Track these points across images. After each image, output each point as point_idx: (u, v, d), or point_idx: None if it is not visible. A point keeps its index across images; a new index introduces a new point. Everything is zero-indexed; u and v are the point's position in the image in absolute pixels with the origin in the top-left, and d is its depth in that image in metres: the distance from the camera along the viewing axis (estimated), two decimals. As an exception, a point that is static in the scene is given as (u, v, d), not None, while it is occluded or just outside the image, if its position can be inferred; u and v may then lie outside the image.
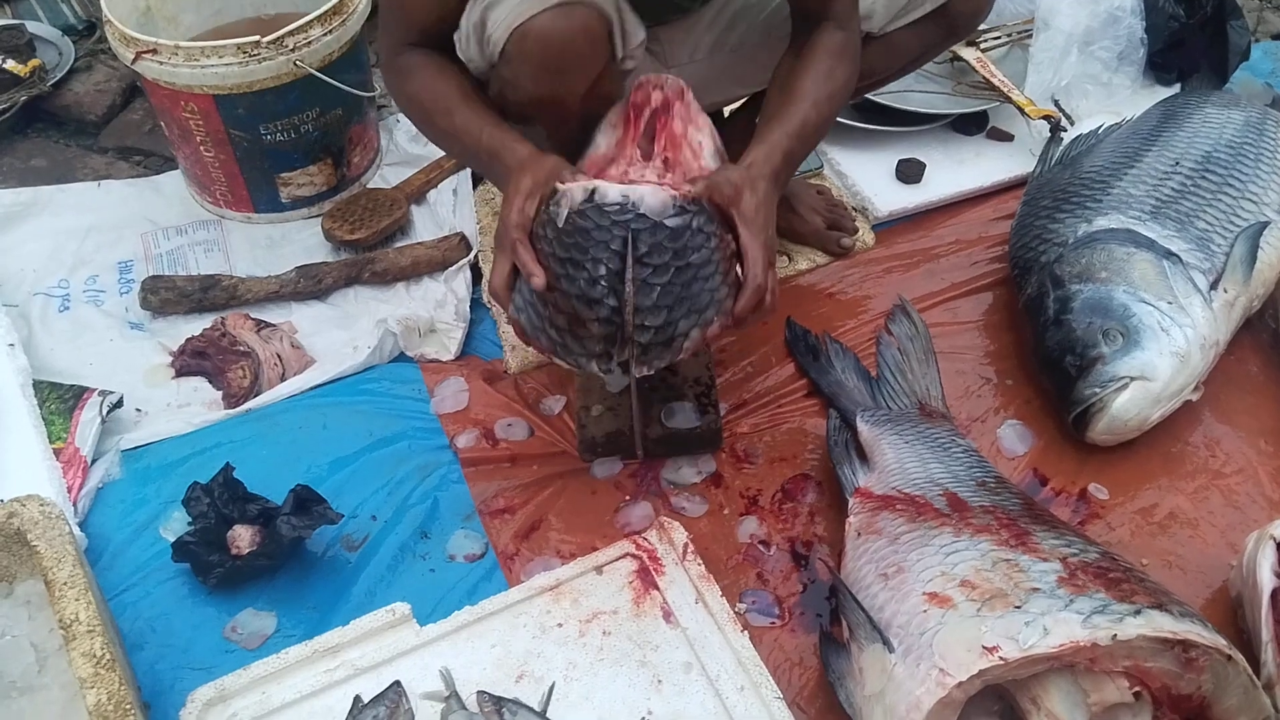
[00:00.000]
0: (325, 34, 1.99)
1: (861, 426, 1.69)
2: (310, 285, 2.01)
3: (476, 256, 2.06)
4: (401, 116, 2.34)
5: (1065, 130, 2.21)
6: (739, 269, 1.42)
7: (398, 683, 1.37)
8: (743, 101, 1.96)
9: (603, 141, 1.48)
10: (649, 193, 1.34)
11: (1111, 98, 2.33)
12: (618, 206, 1.33)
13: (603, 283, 1.35)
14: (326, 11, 2.00)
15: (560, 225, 1.35)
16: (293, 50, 1.97)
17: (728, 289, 1.42)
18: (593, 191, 1.33)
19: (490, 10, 1.42)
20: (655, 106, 1.45)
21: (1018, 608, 1.24)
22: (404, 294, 2.02)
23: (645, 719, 1.36)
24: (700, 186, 1.37)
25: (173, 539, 1.58)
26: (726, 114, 2.06)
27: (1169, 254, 1.78)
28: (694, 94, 1.78)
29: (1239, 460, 1.74)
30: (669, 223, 1.34)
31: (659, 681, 1.41)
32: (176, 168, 2.25)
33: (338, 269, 2.03)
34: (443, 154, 2.17)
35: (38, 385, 1.79)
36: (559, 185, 1.36)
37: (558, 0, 1.41)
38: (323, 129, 2.11)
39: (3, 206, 2.19)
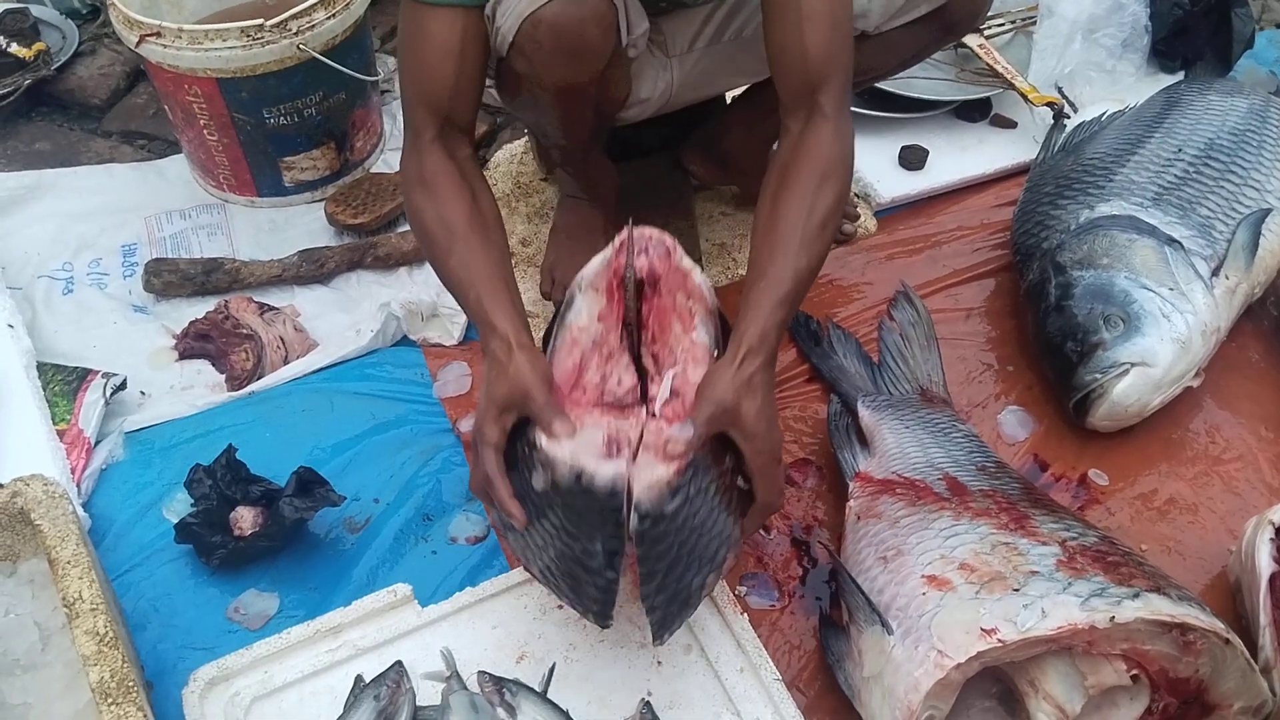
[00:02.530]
0: (329, 18, 1.99)
1: (863, 411, 1.69)
2: (313, 269, 2.02)
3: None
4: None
5: (1068, 117, 2.21)
6: (741, 479, 1.33)
7: (399, 663, 1.37)
8: (744, 90, 1.96)
9: (584, 310, 1.34)
10: (644, 482, 1.20)
11: (1115, 85, 2.33)
12: (608, 493, 1.19)
13: (599, 558, 1.24)
14: (330, -5, 2.00)
15: (542, 490, 1.25)
16: (296, 34, 1.97)
17: (734, 517, 1.33)
18: (579, 475, 1.19)
19: (500, 3, 1.43)
20: (642, 277, 1.34)
21: (1016, 590, 1.25)
22: (406, 278, 2.02)
23: (645, 700, 1.37)
24: (698, 426, 1.24)
25: (176, 520, 1.59)
26: (728, 99, 2.07)
27: (1171, 240, 1.78)
28: (695, 85, 1.79)
29: (1239, 446, 1.74)
30: (669, 509, 1.21)
31: (659, 663, 1.42)
32: (180, 152, 2.25)
33: (340, 253, 2.04)
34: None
35: (41, 367, 1.80)
36: (539, 441, 1.23)
37: None
38: (326, 113, 2.11)
39: (7, 190, 2.20)
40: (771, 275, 1.34)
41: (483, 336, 1.36)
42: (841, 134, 1.42)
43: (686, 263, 1.33)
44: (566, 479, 1.21)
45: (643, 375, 1.34)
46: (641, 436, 1.26)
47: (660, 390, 1.30)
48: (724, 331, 1.37)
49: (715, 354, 1.33)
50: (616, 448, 1.23)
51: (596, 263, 1.35)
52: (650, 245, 1.34)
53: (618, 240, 1.35)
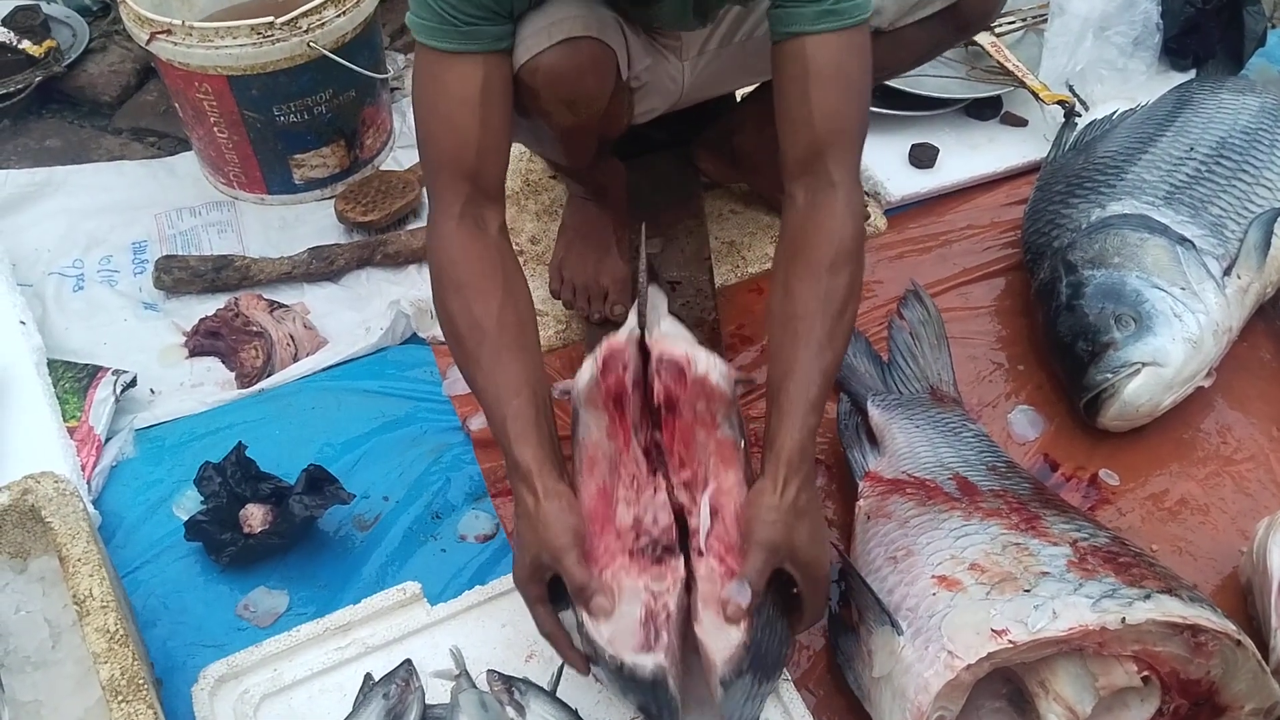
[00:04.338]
0: (339, 15, 1.99)
1: (872, 411, 1.69)
2: (323, 266, 2.02)
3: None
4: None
5: (1079, 115, 2.20)
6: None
7: (408, 661, 1.37)
8: (754, 87, 1.95)
9: (591, 425, 1.32)
10: (720, 653, 1.21)
11: (1126, 83, 2.32)
12: (650, 684, 1.20)
13: (654, 711, 1.24)
14: (340, -7, 2.00)
15: (605, 672, 1.25)
16: (306, 31, 1.97)
17: (789, 618, 1.31)
18: (620, 666, 1.21)
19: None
20: (659, 403, 1.31)
21: (1027, 591, 1.24)
22: (416, 276, 2.02)
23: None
24: (754, 580, 1.20)
25: (185, 517, 1.59)
26: (738, 97, 2.06)
27: (1182, 240, 1.77)
28: (706, 85, 1.78)
29: (1250, 447, 1.73)
30: (746, 666, 1.22)
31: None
32: (190, 149, 2.26)
33: (350, 250, 2.04)
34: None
35: (52, 364, 1.80)
36: (579, 616, 1.23)
37: (565, 36, 1.41)
38: (336, 111, 2.11)
39: (18, 187, 2.20)
40: (798, 377, 1.27)
41: (509, 470, 1.30)
42: (851, 206, 1.35)
43: (702, 368, 1.29)
44: (610, 666, 1.22)
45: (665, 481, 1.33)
46: (692, 585, 1.26)
47: (701, 521, 1.28)
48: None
49: (742, 445, 1.32)
50: (654, 631, 1.22)
51: (586, 379, 1.32)
52: (663, 367, 1.30)
53: (600, 360, 1.31)
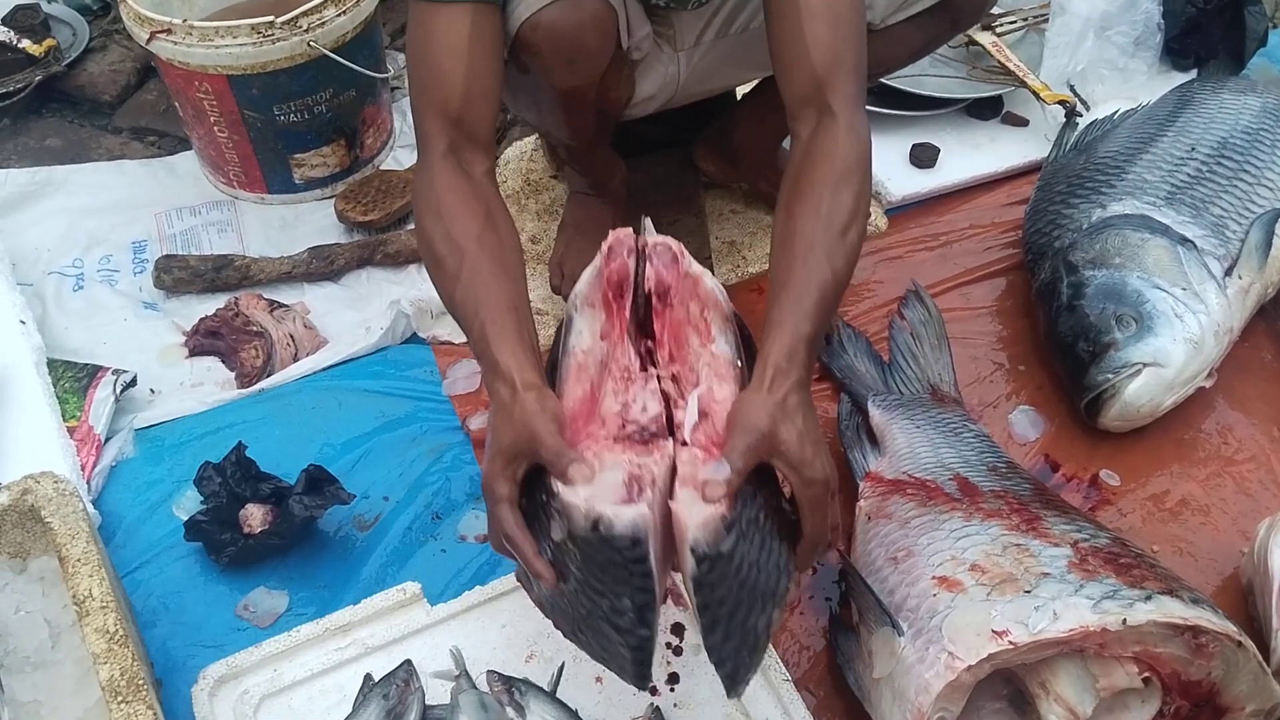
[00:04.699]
0: (339, 14, 1.99)
1: (873, 411, 1.68)
2: (323, 266, 2.02)
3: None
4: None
5: (1080, 115, 2.19)
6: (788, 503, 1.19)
7: (408, 661, 1.37)
8: (753, 85, 1.95)
9: (584, 329, 1.24)
10: (695, 521, 1.06)
11: (1127, 83, 2.32)
12: (629, 540, 1.05)
13: (629, 614, 1.09)
14: (340, -8, 2.00)
15: (560, 540, 1.11)
16: (307, 31, 1.96)
17: (789, 544, 1.17)
18: (596, 522, 1.05)
19: (509, 2, 1.41)
20: (651, 290, 1.23)
21: (1028, 592, 1.24)
22: (416, 276, 2.02)
23: (654, 705, 1.36)
24: (734, 461, 1.09)
25: (185, 518, 1.59)
26: (738, 95, 2.06)
27: (1183, 240, 1.77)
28: (702, 79, 1.78)
29: (1251, 447, 1.73)
30: (726, 548, 1.06)
31: (667, 663, 1.41)
32: (190, 148, 2.25)
33: (350, 250, 2.04)
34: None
35: (52, 364, 1.80)
36: (555, 488, 1.09)
37: None
38: (336, 110, 2.11)
39: (18, 186, 2.20)
40: (793, 288, 1.22)
41: (486, 377, 1.23)
42: (855, 131, 1.32)
43: (696, 268, 1.24)
44: (583, 528, 1.07)
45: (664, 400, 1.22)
46: (674, 469, 1.13)
47: (687, 414, 1.18)
48: (744, 340, 1.28)
49: (739, 365, 1.24)
50: (638, 488, 1.09)
51: (588, 275, 1.25)
52: (655, 252, 1.24)
53: (606, 247, 1.24)
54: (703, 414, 1.18)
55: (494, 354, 1.20)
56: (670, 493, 1.11)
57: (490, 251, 1.28)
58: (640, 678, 1.14)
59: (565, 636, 1.22)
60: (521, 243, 2.01)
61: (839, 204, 1.26)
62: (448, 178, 1.33)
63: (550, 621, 1.24)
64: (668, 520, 1.11)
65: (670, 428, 1.19)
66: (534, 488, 1.15)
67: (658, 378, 1.22)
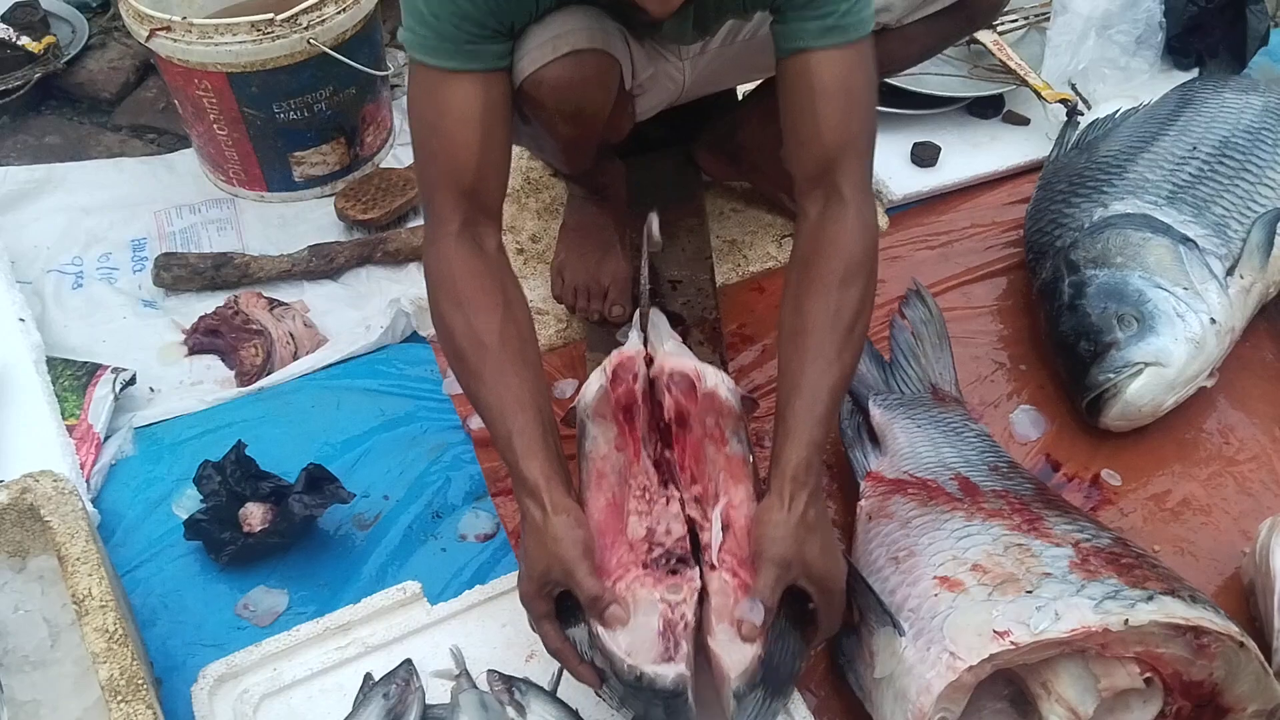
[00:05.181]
0: (339, 12, 1.99)
1: (874, 410, 1.68)
2: (322, 264, 2.01)
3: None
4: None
5: (1082, 114, 2.19)
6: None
7: (408, 661, 1.37)
8: (757, 85, 1.95)
9: (599, 437, 1.33)
10: (735, 667, 1.19)
11: (1129, 82, 2.31)
12: (671, 694, 1.17)
13: None
14: (340, -10, 1.99)
15: (603, 666, 1.22)
16: (306, 28, 1.96)
17: (802, 630, 1.29)
18: (639, 677, 1.17)
19: (516, 54, 1.41)
20: (670, 419, 1.31)
21: (1029, 592, 1.24)
22: (416, 274, 2.02)
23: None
24: (766, 598, 1.20)
25: (185, 516, 1.58)
26: (740, 95, 2.06)
27: (1185, 239, 1.77)
28: (706, 83, 1.77)
29: (1253, 447, 1.73)
30: (760, 679, 1.21)
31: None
32: (190, 146, 2.25)
33: (350, 248, 2.03)
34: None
35: (51, 362, 1.79)
36: (594, 628, 1.20)
37: (570, 49, 1.41)
38: (336, 108, 2.11)
39: (17, 183, 2.20)
40: (806, 393, 1.27)
41: (515, 488, 1.28)
42: (863, 219, 1.35)
43: (711, 382, 1.30)
44: (628, 678, 1.18)
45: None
46: (704, 598, 1.24)
47: (713, 535, 1.28)
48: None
49: (750, 459, 1.32)
50: (674, 641, 1.21)
51: (594, 391, 1.31)
52: (673, 382, 1.30)
53: (610, 369, 1.30)
54: (725, 525, 1.28)
55: (523, 470, 1.24)
56: (702, 622, 1.24)
57: (512, 347, 1.30)
58: None
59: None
60: (521, 242, 2.03)
61: (847, 301, 1.31)
62: (465, 259, 1.33)
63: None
64: (697, 632, 1.24)
65: (694, 544, 1.30)
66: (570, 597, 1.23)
67: (680, 500, 1.32)
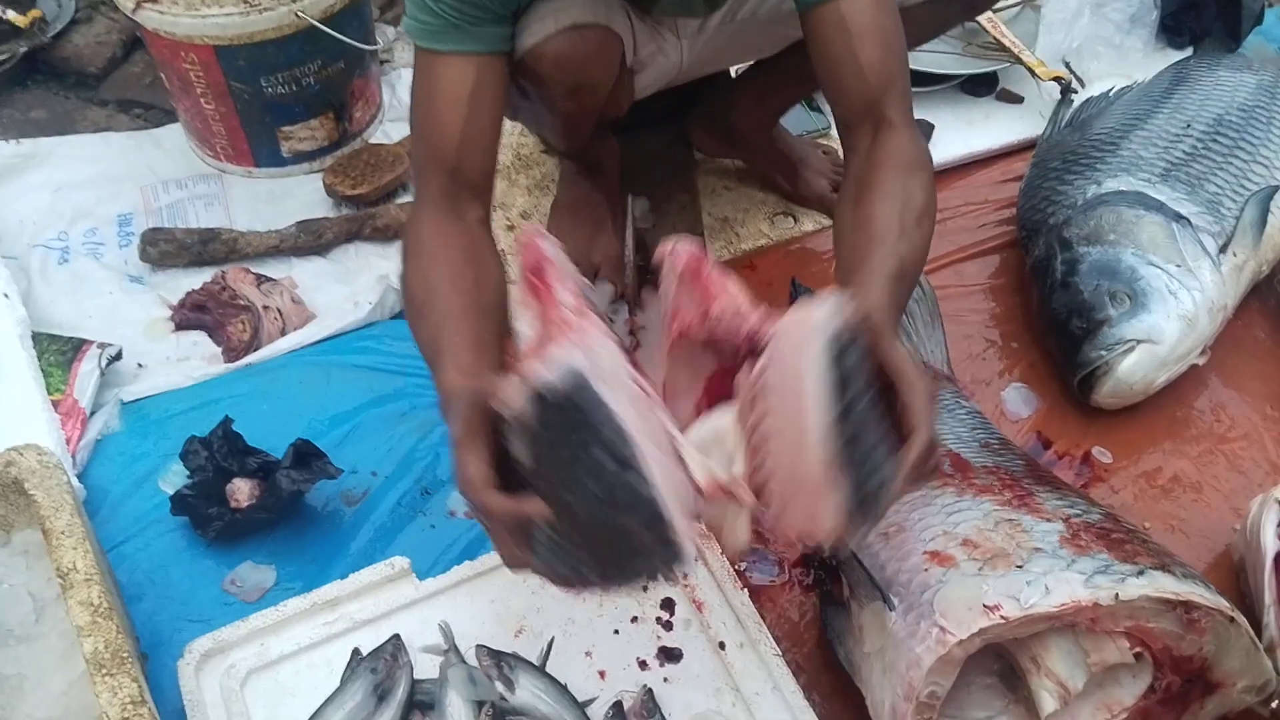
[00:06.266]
0: (327, -15, 1.97)
1: (865, 387, 1.67)
2: (311, 240, 2.00)
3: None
4: (404, 71, 2.33)
5: (1076, 92, 2.18)
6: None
7: (397, 636, 1.37)
8: (751, 64, 1.94)
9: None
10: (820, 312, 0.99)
11: (1123, 60, 2.31)
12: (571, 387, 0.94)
13: (610, 468, 0.95)
14: (329, -38, 1.97)
15: (534, 427, 0.97)
16: (294, 1, 1.94)
17: (894, 448, 1.04)
18: (535, 391, 0.95)
19: (519, 26, 1.40)
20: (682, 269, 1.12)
21: (1019, 567, 1.24)
22: (405, 250, 2.01)
23: (646, 687, 1.36)
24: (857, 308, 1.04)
25: (171, 492, 1.57)
26: (734, 73, 2.05)
27: (1178, 217, 1.76)
28: (704, 62, 1.75)
29: (1244, 425, 1.73)
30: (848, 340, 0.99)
31: (657, 637, 1.40)
32: (177, 121, 2.23)
33: (339, 224, 2.02)
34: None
35: (36, 337, 1.78)
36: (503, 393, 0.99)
37: (572, 22, 1.40)
38: (324, 82, 2.09)
39: (2, 158, 2.17)
40: (873, 264, 1.17)
41: (434, 378, 1.16)
42: (916, 140, 1.34)
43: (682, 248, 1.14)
44: (560, 382, 0.95)
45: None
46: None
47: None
48: None
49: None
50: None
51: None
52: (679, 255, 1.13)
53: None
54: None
55: (441, 364, 1.14)
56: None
57: (465, 292, 1.22)
58: (672, 557, 0.98)
59: (598, 585, 1.03)
60: (512, 218, 2.02)
61: (914, 191, 1.26)
62: (436, 221, 1.30)
63: (579, 594, 1.11)
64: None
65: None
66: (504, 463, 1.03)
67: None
